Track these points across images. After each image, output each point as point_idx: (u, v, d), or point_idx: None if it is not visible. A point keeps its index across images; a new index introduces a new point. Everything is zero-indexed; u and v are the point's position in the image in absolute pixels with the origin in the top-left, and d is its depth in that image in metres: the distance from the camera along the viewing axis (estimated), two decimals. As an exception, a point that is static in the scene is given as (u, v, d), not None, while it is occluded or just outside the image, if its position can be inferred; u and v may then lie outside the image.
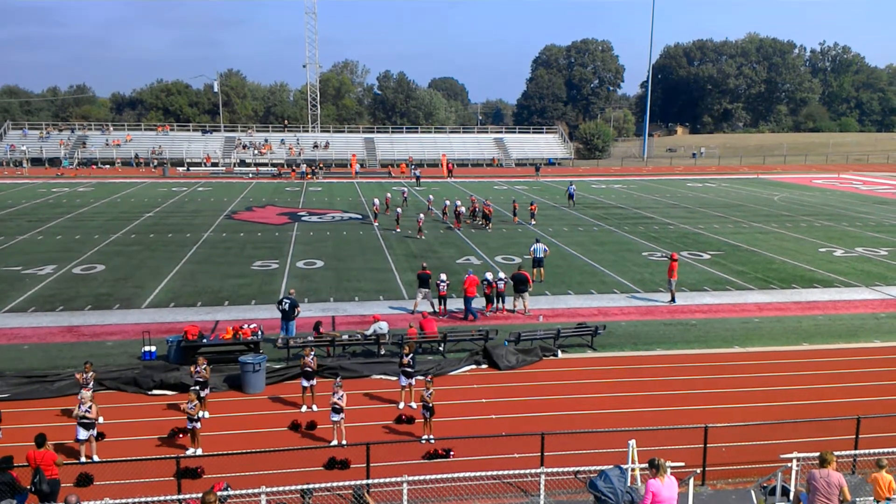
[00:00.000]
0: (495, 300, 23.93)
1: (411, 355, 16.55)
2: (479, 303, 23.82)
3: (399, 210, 41.00)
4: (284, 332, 20.20)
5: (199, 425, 14.16)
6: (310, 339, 19.42)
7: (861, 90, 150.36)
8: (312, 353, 16.54)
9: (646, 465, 10.59)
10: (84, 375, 15.43)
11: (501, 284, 23.91)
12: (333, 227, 40.80)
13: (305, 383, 16.32)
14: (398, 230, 38.54)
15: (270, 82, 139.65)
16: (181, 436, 14.72)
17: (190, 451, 14.07)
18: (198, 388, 15.37)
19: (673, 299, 25.14)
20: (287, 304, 20.37)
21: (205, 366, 15.89)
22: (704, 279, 28.52)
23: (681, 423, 15.11)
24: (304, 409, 16.28)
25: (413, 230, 38.42)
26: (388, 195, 49.36)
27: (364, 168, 77.12)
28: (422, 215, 38.34)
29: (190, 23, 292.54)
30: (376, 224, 40.82)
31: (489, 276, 23.99)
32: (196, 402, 14.09)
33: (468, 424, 15.58)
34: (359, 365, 18.63)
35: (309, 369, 16.24)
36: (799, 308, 24.88)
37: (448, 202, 43.46)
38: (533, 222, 41.45)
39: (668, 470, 9.85)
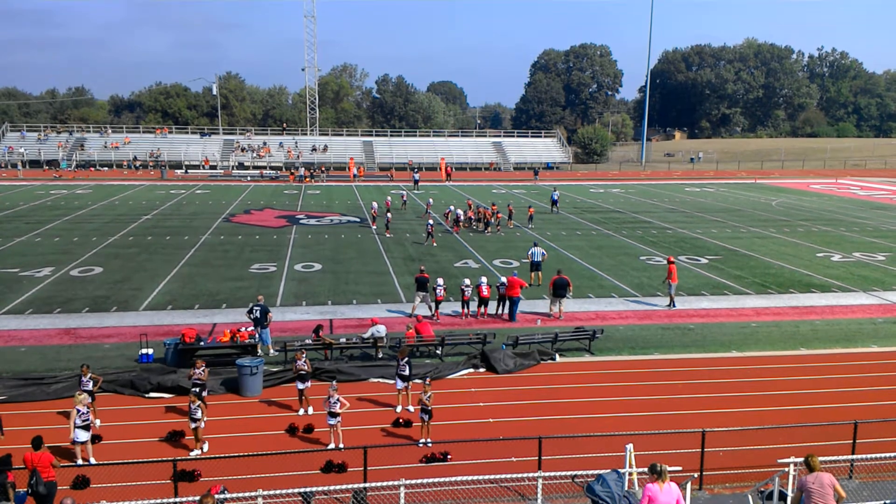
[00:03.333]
0: (499, 303, 23.97)
1: (406, 359, 16.55)
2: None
3: (388, 215, 40.74)
4: (259, 340, 19.62)
5: (202, 425, 14.20)
6: (308, 342, 19.45)
7: (859, 95, 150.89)
8: (304, 355, 16.57)
9: (644, 469, 10.59)
10: (82, 380, 15.40)
11: (503, 289, 23.92)
12: (331, 230, 40.80)
13: (301, 385, 16.33)
14: (388, 235, 38.48)
15: (269, 85, 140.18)
16: (185, 437, 14.73)
17: (195, 453, 14.09)
18: (198, 389, 15.36)
19: (672, 304, 25.15)
20: (258, 312, 19.79)
21: (203, 368, 15.90)
22: (702, 283, 28.54)
23: (678, 428, 15.10)
24: (301, 412, 16.28)
25: (412, 233, 38.35)
26: (389, 199, 49.13)
27: (362, 171, 77.18)
28: (430, 221, 37.95)
29: (189, 26, 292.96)
30: (374, 227, 40.81)
31: (484, 279, 24.03)
32: (199, 402, 14.10)
33: (466, 428, 15.56)
34: (356, 368, 18.61)
35: (302, 372, 16.26)
36: (796, 313, 24.91)
37: (453, 207, 43.23)
38: (531, 226, 41.46)
39: (669, 476, 9.84)
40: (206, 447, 14.25)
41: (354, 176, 71.86)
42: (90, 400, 14.71)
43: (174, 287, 27.15)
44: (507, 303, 23.58)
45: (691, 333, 22.51)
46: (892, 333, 22.75)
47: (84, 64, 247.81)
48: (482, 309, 23.80)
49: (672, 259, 25.94)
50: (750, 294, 27.21)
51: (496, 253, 34.24)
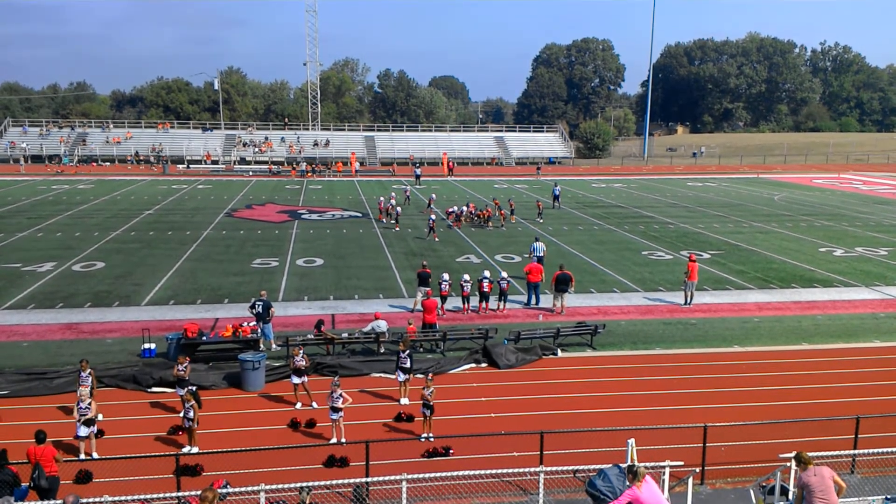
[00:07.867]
0: (492, 298, 23.96)
1: (408, 352, 16.60)
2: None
3: (399, 209, 40.92)
4: (262, 335, 19.58)
5: (195, 425, 14.17)
6: (310, 336, 19.47)
7: (861, 90, 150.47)
8: (301, 352, 16.58)
9: (645, 464, 10.55)
10: (82, 374, 15.40)
11: (504, 284, 23.93)
12: (333, 225, 40.79)
13: (296, 380, 16.36)
14: (397, 229, 38.55)
15: (271, 80, 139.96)
16: (180, 433, 14.78)
17: (185, 449, 14.08)
18: (194, 388, 15.30)
19: (687, 301, 24.86)
20: (260, 307, 19.74)
21: (185, 365, 15.80)
22: (704, 278, 28.48)
23: (680, 423, 15.12)
24: (298, 405, 16.31)
25: (414, 228, 38.33)
26: (393, 195, 48.85)
27: (364, 166, 77.18)
28: (433, 216, 37.99)
29: (191, 21, 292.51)
30: (383, 221, 40.86)
31: (487, 273, 24.03)
32: (193, 401, 14.06)
33: (467, 423, 15.59)
34: (358, 363, 18.64)
35: (301, 367, 16.30)
36: (798, 308, 24.89)
37: (456, 208, 43.16)
38: (541, 220, 41.40)
39: (645, 473, 9.57)
40: (194, 449, 14.05)
41: (358, 171, 71.75)
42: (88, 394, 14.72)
43: (176, 282, 27.18)
44: (531, 288, 24.63)
45: (693, 328, 22.51)
46: (894, 328, 22.72)
47: (86, 59, 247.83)
48: (483, 304, 23.78)
49: (693, 257, 25.66)
50: (752, 289, 27.18)
51: (498, 248, 34.22)
